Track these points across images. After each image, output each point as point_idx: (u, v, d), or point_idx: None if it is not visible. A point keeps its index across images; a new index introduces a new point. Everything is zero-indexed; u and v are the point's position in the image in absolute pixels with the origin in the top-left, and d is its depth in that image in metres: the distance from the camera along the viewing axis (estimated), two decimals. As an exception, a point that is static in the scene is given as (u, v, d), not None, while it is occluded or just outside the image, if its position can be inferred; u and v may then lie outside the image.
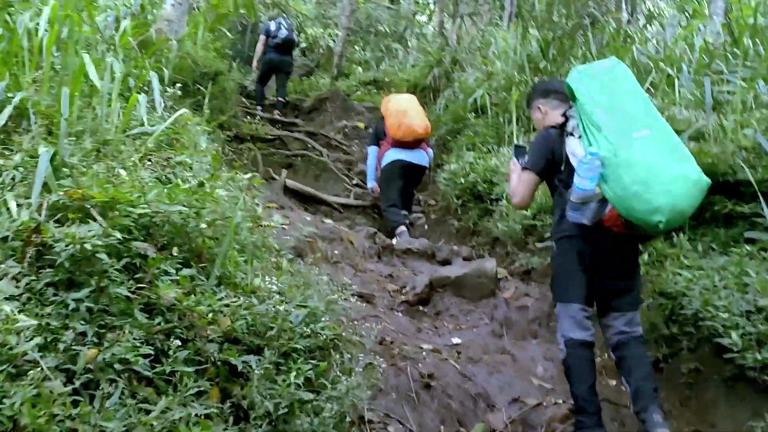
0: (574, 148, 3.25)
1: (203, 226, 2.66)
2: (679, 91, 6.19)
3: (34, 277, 2.07)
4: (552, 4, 8.67)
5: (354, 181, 9.06)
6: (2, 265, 2.08)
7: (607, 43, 8.33)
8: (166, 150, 4.61)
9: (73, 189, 2.28)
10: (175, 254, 2.65)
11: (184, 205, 2.49)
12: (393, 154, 7.21)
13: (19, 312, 1.93)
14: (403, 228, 6.86)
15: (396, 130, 7.05)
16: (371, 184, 7.66)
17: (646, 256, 4.16)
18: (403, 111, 7.08)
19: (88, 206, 2.30)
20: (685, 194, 2.96)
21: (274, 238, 3.99)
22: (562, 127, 3.40)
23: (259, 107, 11.27)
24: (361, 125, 11.37)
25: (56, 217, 2.34)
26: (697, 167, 3.07)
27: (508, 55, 9.60)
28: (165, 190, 2.50)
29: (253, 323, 2.41)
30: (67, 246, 2.05)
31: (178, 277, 2.47)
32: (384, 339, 3.76)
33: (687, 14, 8.82)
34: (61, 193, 2.28)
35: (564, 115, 3.41)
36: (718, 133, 4.69)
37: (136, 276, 2.40)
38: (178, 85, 5.31)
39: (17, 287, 2.04)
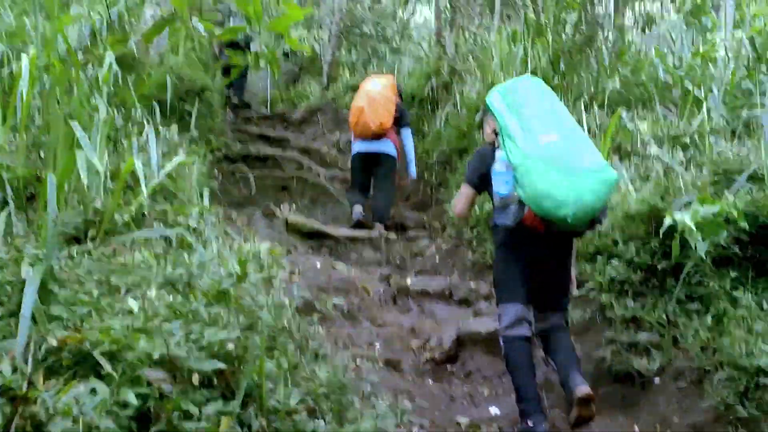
0: (497, 160, 3.65)
1: (230, 346, 2.17)
2: (710, 115, 5.76)
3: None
4: (558, 16, 8.19)
5: (354, 203, 8.57)
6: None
7: (620, 54, 7.88)
8: (160, 202, 4.14)
9: (70, 334, 1.79)
10: (195, 382, 2.16)
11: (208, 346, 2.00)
12: (356, 146, 7.51)
13: None
14: (357, 207, 7.29)
15: (354, 126, 7.36)
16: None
17: (708, 320, 3.72)
18: (360, 109, 7.23)
19: (89, 348, 1.81)
20: (590, 189, 3.24)
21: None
22: (494, 143, 3.76)
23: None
24: (356, 138, 10.85)
25: (49, 363, 1.85)
26: (606, 164, 3.41)
27: (509, 67, 9.17)
28: (186, 320, 2.01)
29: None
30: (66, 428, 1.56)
31: (203, 425, 1.98)
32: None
33: (699, 24, 8.38)
34: (53, 341, 1.78)
35: (494, 131, 3.71)
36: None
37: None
38: (174, 126, 4.82)
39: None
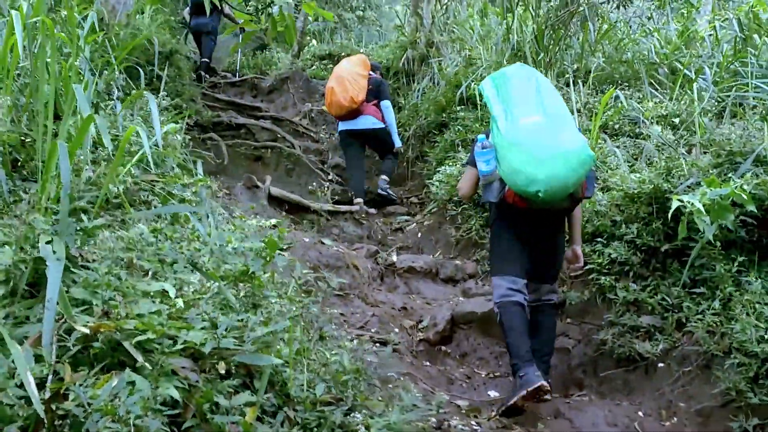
0: (477, 140, 3.80)
1: (258, 333, 2.01)
2: (700, 95, 5.71)
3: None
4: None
5: (330, 176, 8.39)
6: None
7: (605, 32, 7.80)
8: (149, 173, 3.92)
9: (103, 322, 1.61)
10: (221, 371, 2.00)
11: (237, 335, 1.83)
12: (340, 126, 7.58)
13: None
14: (359, 199, 7.27)
15: (329, 108, 7.48)
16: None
17: (716, 304, 3.66)
18: (330, 89, 7.32)
19: (119, 338, 1.63)
20: (563, 166, 3.38)
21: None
22: None
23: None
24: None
25: (75, 351, 1.67)
26: (582, 144, 3.48)
27: (489, 40, 9.02)
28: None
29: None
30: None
31: (236, 418, 1.82)
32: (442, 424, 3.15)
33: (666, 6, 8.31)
34: (84, 328, 1.60)
35: None
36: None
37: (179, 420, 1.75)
38: (165, 95, 4.57)
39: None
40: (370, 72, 7.59)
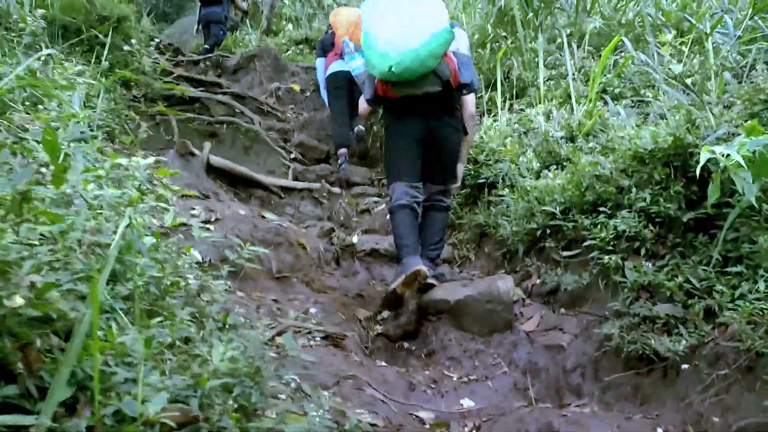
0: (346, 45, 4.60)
1: (17, 301, 1.10)
2: (716, 53, 4.86)
3: None
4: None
5: (292, 155, 7.46)
6: None
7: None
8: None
9: None
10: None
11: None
12: (338, 65, 6.73)
13: None
14: (343, 150, 6.78)
15: (350, 36, 6.32)
16: (325, 95, 7.24)
17: (761, 286, 2.76)
18: (354, 23, 6.44)
19: None
20: (410, 38, 3.53)
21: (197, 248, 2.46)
22: None
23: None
24: (297, 88, 9.73)
25: None
26: (434, 19, 3.63)
27: (474, 6, 8.18)
28: None
29: None
30: None
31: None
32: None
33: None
34: None
35: None
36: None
37: None
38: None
39: None
40: None
